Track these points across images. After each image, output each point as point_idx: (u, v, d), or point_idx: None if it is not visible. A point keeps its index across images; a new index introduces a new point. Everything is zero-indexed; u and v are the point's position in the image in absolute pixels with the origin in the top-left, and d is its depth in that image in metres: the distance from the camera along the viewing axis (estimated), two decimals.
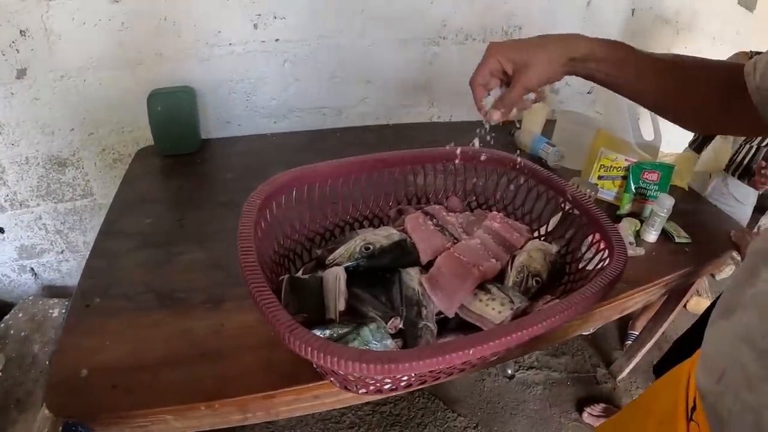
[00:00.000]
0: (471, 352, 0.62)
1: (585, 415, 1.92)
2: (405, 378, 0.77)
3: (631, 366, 2.09)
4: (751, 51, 1.79)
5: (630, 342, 2.24)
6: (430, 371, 0.78)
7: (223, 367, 0.90)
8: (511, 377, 2.07)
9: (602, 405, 1.96)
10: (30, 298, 1.86)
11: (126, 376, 0.87)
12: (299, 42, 1.68)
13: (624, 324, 2.38)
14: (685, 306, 2.38)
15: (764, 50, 0.69)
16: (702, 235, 1.45)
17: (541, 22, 1.98)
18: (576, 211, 1.07)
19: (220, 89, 1.69)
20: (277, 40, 1.65)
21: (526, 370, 2.12)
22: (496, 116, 0.83)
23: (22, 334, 1.75)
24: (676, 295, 1.73)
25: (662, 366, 1.63)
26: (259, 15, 1.59)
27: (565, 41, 0.76)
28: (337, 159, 1.05)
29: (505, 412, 1.94)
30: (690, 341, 1.52)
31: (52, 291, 2.00)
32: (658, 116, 1.59)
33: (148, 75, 1.57)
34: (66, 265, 1.95)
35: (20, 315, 1.77)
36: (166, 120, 1.53)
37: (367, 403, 1.87)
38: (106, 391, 0.84)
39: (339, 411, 1.84)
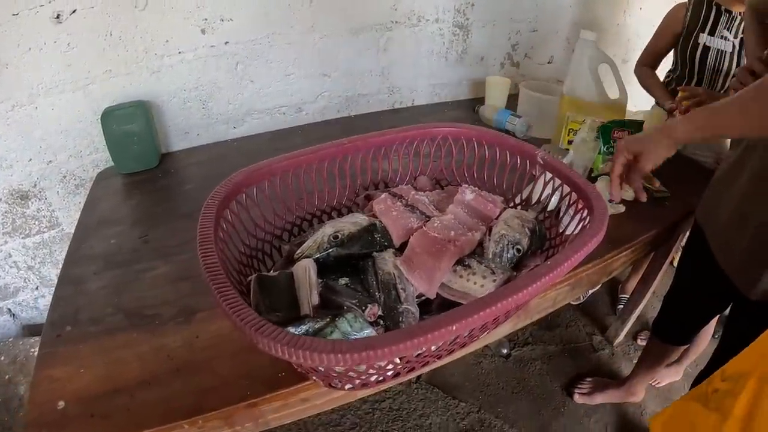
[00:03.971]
0: (454, 327, 0.58)
1: (576, 396, 1.89)
2: (391, 367, 0.73)
3: (626, 329, 2.08)
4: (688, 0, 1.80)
5: (622, 306, 2.23)
6: (417, 355, 0.74)
7: (201, 380, 0.87)
8: (508, 356, 2.04)
9: (588, 380, 1.94)
10: (10, 339, 1.80)
11: (103, 402, 0.83)
12: (249, 42, 1.64)
13: (613, 289, 2.37)
14: (672, 263, 2.38)
15: None
16: (680, 188, 1.45)
17: None
18: (548, 174, 1.04)
19: (174, 100, 1.64)
20: (226, 42, 1.61)
21: (522, 347, 2.09)
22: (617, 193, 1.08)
23: (6, 377, 1.69)
24: (661, 253, 1.72)
25: (661, 324, 1.62)
26: (206, 19, 1.54)
27: (665, 130, 0.99)
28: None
29: (506, 392, 1.91)
30: (678, 295, 1.51)
31: (32, 330, 1.92)
32: (621, 75, 1.59)
33: (100, 94, 1.51)
34: (43, 301, 1.88)
35: (2, 358, 1.71)
36: (121, 138, 1.49)
37: (365, 402, 1.83)
38: (85, 420, 0.80)
39: (338, 413, 1.79)
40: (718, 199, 1.21)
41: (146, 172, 1.56)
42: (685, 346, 1.76)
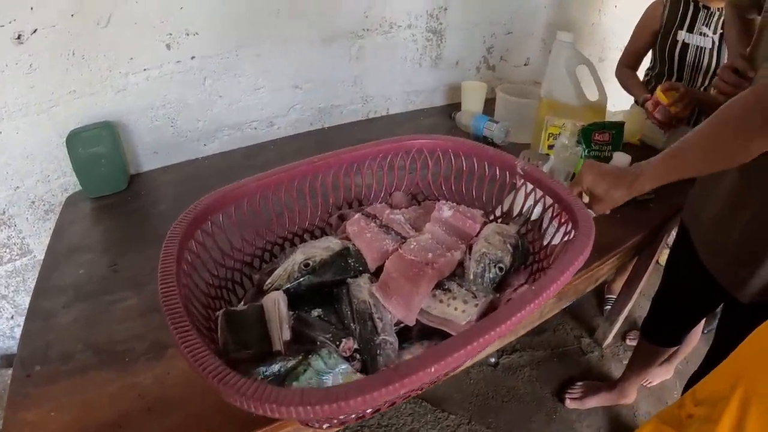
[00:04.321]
0: (433, 369, 0.54)
1: (567, 401, 1.87)
2: None
3: (614, 331, 2.07)
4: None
5: (609, 307, 2.21)
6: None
7: (174, 421, 0.82)
8: (496, 365, 2.01)
9: (579, 384, 1.92)
10: None
11: None
12: (217, 56, 1.58)
13: (600, 290, 2.35)
14: (657, 261, 2.37)
15: None
16: (664, 188, 1.42)
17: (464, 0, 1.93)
18: (529, 185, 1.01)
19: (142, 119, 1.58)
20: (193, 57, 1.55)
21: (510, 354, 2.06)
22: None
23: None
24: (647, 254, 1.70)
25: (650, 326, 1.60)
26: (170, 34, 1.49)
27: (632, 186, 0.96)
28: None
29: (496, 401, 1.88)
30: (666, 296, 1.49)
31: (10, 360, 1.86)
32: (599, 75, 1.56)
33: (65, 116, 1.45)
34: (19, 330, 1.78)
35: None
36: (88, 161, 1.43)
37: None
38: None
39: None
40: (702, 201, 1.19)
41: (116, 195, 1.51)
42: (676, 347, 1.74)
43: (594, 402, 1.86)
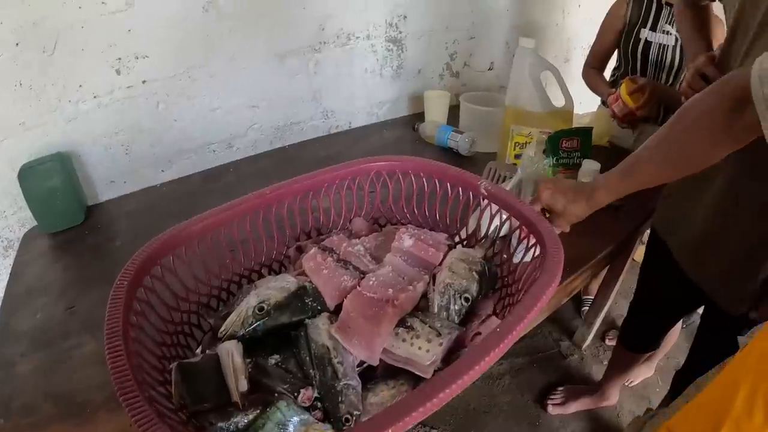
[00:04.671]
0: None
1: (549, 407, 1.86)
2: None
3: (593, 332, 2.06)
4: None
5: (586, 308, 2.20)
6: None
7: None
8: None
9: (560, 389, 1.91)
10: None
11: None
12: (169, 79, 1.53)
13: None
14: (633, 258, 2.37)
15: None
16: (633, 196, 1.40)
17: (423, 7, 1.89)
18: (494, 205, 0.98)
19: (95, 148, 1.52)
20: (144, 81, 1.50)
21: None
22: None
23: None
24: (622, 255, 1.68)
25: (629, 335, 1.59)
26: (119, 59, 1.43)
27: (591, 201, 0.93)
28: (228, 200, 0.93)
29: (477, 412, 1.86)
30: (643, 305, 1.48)
31: None
32: (564, 80, 1.54)
33: (16, 149, 1.39)
34: None
35: None
36: (43, 196, 1.37)
37: None
38: None
39: None
40: (683, 212, 1.14)
41: (73, 230, 1.44)
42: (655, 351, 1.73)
43: (576, 406, 1.85)
